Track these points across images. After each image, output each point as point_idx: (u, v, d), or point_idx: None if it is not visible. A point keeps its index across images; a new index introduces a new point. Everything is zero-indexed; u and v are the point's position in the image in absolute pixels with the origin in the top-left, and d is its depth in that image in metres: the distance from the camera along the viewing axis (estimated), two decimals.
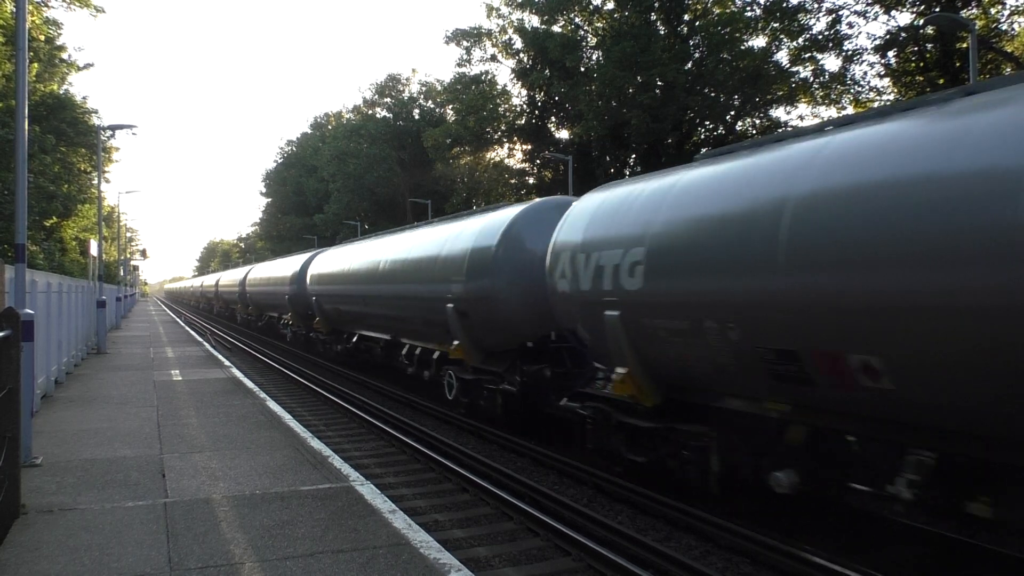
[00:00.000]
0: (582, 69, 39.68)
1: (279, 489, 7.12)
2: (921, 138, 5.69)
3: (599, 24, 40.91)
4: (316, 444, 9.26)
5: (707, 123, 38.69)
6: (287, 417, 11.24)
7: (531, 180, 47.09)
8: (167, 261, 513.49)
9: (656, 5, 36.39)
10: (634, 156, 38.14)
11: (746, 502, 8.22)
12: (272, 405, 12.41)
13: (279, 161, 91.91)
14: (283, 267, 30.55)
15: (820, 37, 31.90)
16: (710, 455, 7.77)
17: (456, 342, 13.27)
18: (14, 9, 10.11)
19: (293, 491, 7.05)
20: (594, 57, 40.05)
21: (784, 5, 32.09)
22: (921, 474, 5.72)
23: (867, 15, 30.39)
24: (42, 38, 33.67)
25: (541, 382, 11.69)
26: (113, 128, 30.85)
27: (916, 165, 5.47)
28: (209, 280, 70.12)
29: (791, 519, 7.83)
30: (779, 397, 6.90)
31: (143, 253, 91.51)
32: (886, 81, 32.34)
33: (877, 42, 30.79)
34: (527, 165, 47.74)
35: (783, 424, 6.99)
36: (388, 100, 63.80)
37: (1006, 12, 28.61)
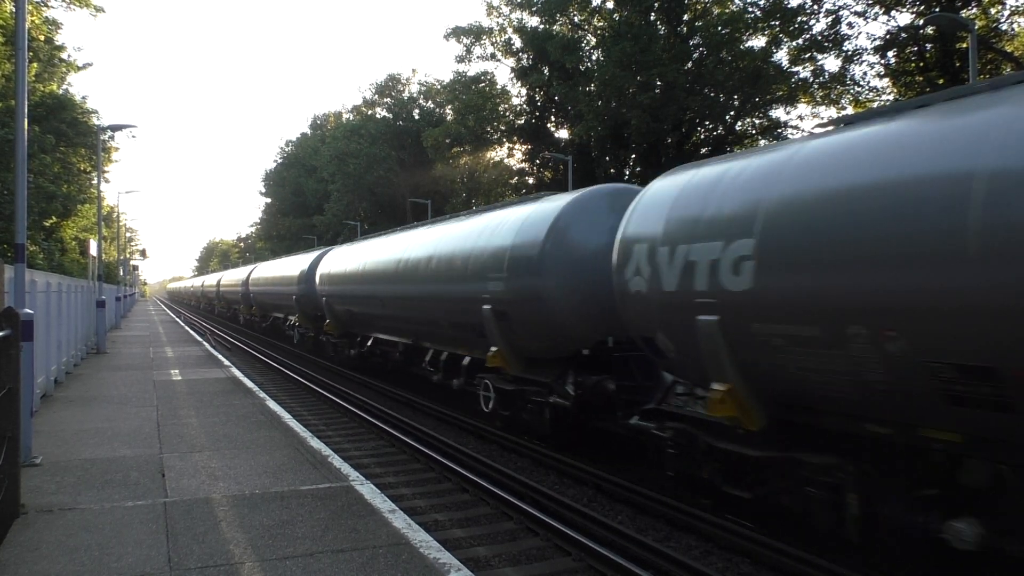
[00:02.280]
0: (582, 69, 39.68)
1: (279, 489, 7.12)
2: None
3: (599, 24, 40.91)
4: (316, 444, 9.26)
5: (707, 123, 38.69)
6: (287, 417, 11.24)
7: (531, 180, 47.12)
8: (167, 261, 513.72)
9: (656, 5, 36.38)
10: (634, 156, 38.14)
11: (746, 502, 8.21)
12: (272, 405, 12.41)
13: (279, 161, 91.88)
14: (290, 265, 30.31)
15: (820, 37, 31.92)
16: (846, 494, 6.47)
17: (494, 348, 12.13)
18: (14, 9, 10.12)
19: (293, 491, 7.05)
20: (594, 57, 40.06)
21: (784, 5, 32.10)
22: None
23: (867, 15, 30.42)
24: (42, 38, 33.66)
25: (601, 396, 10.46)
26: (113, 128, 30.86)
27: None
28: (210, 280, 69.25)
29: (791, 519, 7.82)
30: (953, 425, 5.67)
31: (143, 253, 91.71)
32: (886, 81, 32.39)
33: (877, 42, 30.85)
34: (527, 165, 47.76)
35: (955, 459, 5.91)
36: (388, 100, 63.82)
37: (1006, 12, 28.66)
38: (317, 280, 23.88)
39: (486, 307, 11.99)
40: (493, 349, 12.15)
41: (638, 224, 8.75)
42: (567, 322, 10.71)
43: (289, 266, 30.59)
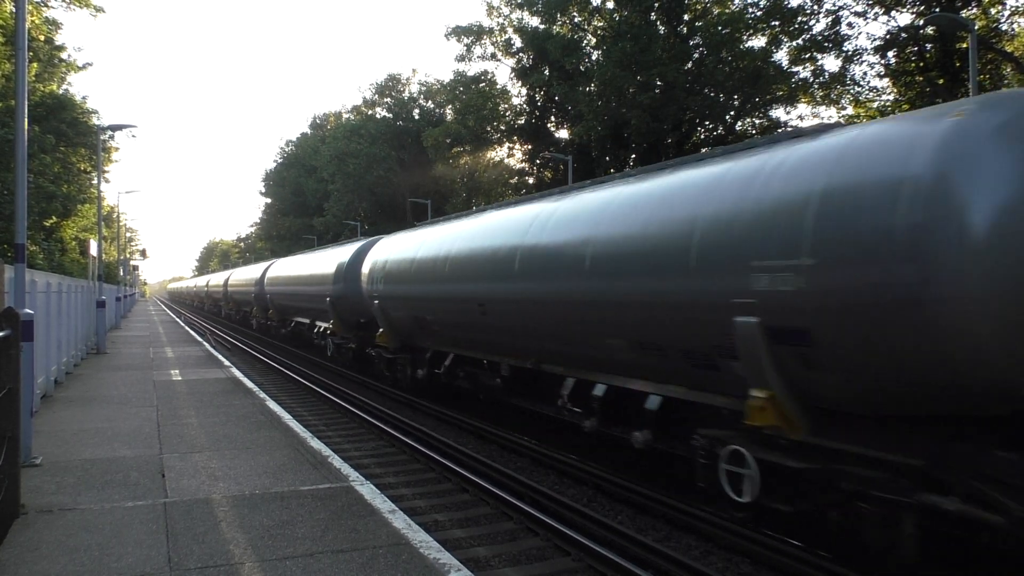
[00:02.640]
0: (582, 69, 39.71)
1: (279, 489, 7.12)
2: None
3: (599, 24, 40.93)
4: (316, 444, 9.26)
5: (707, 123, 38.71)
6: (287, 417, 11.25)
7: (531, 180, 47.18)
8: (167, 261, 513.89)
9: (656, 5, 36.40)
10: (634, 156, 38.15)
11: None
12: (272, 405, 12.41)
13: (279, 161, 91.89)
14: (322, 261, 25.02)
15: (820, 37, 31.94)
16: None
17: (758, 392, 6.95)
18: (14, 9, 10.13)
19: (293, 491, 7.05)
20: (594, 57, 40.09)
21: (784, 5, 32.12)
22: None
23: (867, 15, 30.43)
24: (42, 38, 33.70)
25: None
26: (113, 128, 30.86)
27: None
28: (217, 279, 63.12)
29: (791, 519, 7.82)
30: None
31: (143, 253, 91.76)
32: (885, 81, 32.41)
33: (877, 42, 30.86)
34: (527, 165, 47.83)
35: None
36: (388, 100, 63.81)
37: (1006, 12, 28.66)
38: (364, 278, 18.60)
39: (746, 320, 6.88)
40: (758, 395, 6.96)
41: None
42: (993, 348, 5.38)
43: (320, 262, 24.94)
